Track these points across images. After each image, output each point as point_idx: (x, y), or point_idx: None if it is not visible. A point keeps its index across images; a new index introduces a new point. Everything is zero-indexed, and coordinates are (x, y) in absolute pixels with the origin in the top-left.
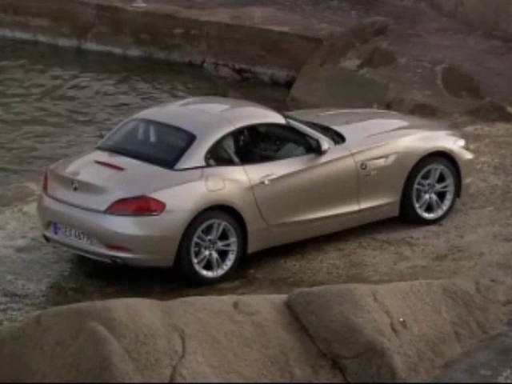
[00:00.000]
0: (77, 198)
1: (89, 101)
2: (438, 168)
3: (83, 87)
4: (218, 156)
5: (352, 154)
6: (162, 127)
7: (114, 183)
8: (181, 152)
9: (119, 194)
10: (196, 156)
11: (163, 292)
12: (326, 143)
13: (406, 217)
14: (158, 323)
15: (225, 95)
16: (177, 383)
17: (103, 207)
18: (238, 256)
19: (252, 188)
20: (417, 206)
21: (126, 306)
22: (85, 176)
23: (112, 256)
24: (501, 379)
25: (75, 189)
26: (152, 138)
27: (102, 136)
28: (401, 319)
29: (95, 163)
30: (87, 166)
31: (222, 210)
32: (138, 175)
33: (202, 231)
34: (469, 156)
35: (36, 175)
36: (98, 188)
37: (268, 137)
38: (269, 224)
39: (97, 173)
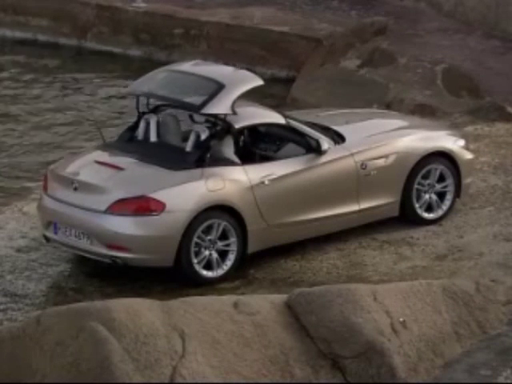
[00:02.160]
0: (77, 198)
1: (89, 101)
2: (438, 168)
3: (83, 87)
4: None
5: (352, 154)
6: (192, 76)
7: (114, 183)
8: (209, 97)
9: (119, 194)
10: (224, 103)
11: (163, 292)
12: (325, 143)
13: (406, 217)
14: (158, 323)
15: None
16: (177, 383)
17: (103, 207)
18: (238, 256)
19: (252, 188)
20: (417, 205)
21: (126, 306)
22: (85, 176)
23: (112, 256)
24: (501, 379)
25: (75, 189)
26: (181, 86)
27: (102, 137)
28: (401, 319)
29: (95, 163)
30: (87, 166)
31: (222, 210)
32: (138, 175)
33: (202, 231)
34: (469, 156)
35: (36, 175)
36: (98, 188)
37: (268, 137)
38: (269, 224)
39: (97, 173)
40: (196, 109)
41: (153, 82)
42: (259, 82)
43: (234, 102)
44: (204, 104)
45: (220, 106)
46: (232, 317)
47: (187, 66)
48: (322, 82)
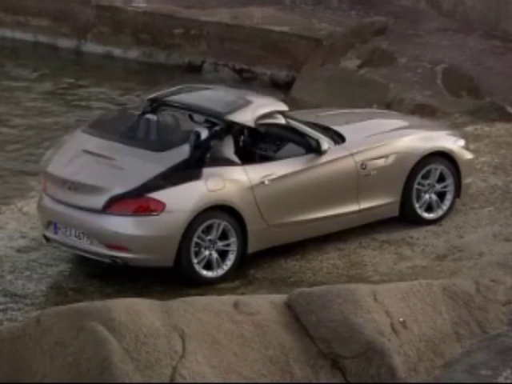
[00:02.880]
0: (74, 198)
1: (89, 101)
2: (438, 168)
3: (83, 87)
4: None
5: (352, 154)
6: (221, 91)
7: (111, 180)
8: (236, 107)
9: (117, 191)
10: (249, 115)
11: (163, 292)
12: (325, 143)
13: (406, 217)
14: (158, 323)
15: None
16: (177, 383)
17: (101, 205)
18: (238, 256)
19: (252, 188)
20: (417, 205)
21: (126, 306)
22: (78, 175)
23: (112, 256)
24: (501, 379)
25: (69, 188)
26: (209, 97)
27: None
28: (401, 319)
29: (85, 153)
30: (78, 161)
31: (222, 210)
32: (129, 164)
33: (202, 231)
34: (469, 156)
35: (36, 175)
36: (95, 187)
37: (268, 137)
38: (269, 224)
39: (88, 168)
40: (222, 115)
41: (180, 91)
42: (284, 107)
43: (258, 118)
44: (230, 112)
45: (245, 117)
46: (232, 317)
47: (217, 86)
48: (322, 82)
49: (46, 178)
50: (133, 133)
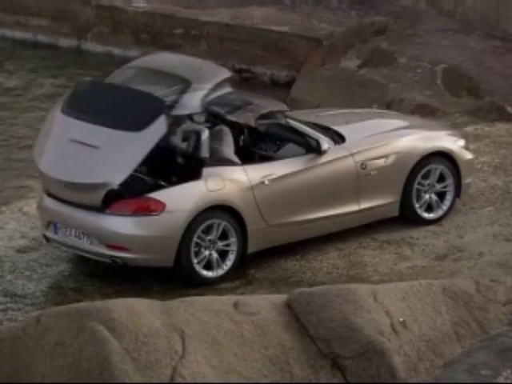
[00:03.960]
0: (72, 196)
1: None
2: (438, 168)
3: None
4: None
5: (352, 154)
6: (157, 74)
7: (100, 172)
8: (176, 98)
9: (110, 184)
10: (192, 102)
11: (163, 292)
12: (326, 143)
13: (406, 217)
14: (158, 323)
15: None
16: (177, 383)
17: (99, 200)
18: (238, 256)
19: (252, 188)
20: (417, 205)
21: (126, 306)
22: (71, 174)
23: (112, 256)
24: (501, 379)
25: (65, 186)
26: (148, 85)
27: None
28: (401, 319)
29: (71, 143)
30: (67, 155)
31: (222, 210)
32: (116, 152)
33: (202, 231)
34: (469, 156)
35: (36, 175)
36: (88, 185)
37: (268, 137)
38: (269, 224)
39: (78, 163)
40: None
41: (122, 78)
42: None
43: (203, 99)
44: (171, 106)
45: (189, 106)
46: (232, 317)
47: (153, 62)
48: (322, 82)
49: (41, 176)
50: (110, 110)
